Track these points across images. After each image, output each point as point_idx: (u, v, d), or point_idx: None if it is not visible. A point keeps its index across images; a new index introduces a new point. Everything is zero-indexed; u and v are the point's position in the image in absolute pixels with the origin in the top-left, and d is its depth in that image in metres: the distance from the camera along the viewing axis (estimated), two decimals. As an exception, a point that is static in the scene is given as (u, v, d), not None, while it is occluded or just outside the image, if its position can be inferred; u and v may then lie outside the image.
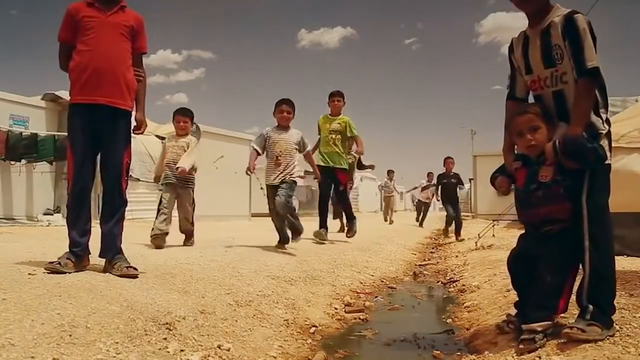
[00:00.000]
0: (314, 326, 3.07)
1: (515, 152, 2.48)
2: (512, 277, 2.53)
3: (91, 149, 3.04)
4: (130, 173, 3.33)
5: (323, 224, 6.28)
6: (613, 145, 2.35)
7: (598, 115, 2.21)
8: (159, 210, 4.92)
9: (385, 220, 13.36)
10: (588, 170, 2.14)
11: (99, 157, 3.11)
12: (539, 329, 2.16)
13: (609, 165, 2.22)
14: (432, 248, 8.95)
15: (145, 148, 10.12)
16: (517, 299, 2.55)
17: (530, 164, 2.32)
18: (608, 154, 2.19)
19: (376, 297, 4.24)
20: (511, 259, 2.51)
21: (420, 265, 6.47)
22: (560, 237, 2.22)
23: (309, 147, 5.36)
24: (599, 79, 2.17)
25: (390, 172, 15.62)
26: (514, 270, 2.50)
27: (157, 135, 10.62)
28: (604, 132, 2.21)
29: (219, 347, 2.32)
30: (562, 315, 2.35)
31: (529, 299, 2.35)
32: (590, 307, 2.12)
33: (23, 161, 9.12)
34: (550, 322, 2.20)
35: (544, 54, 2.29)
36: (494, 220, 8.53)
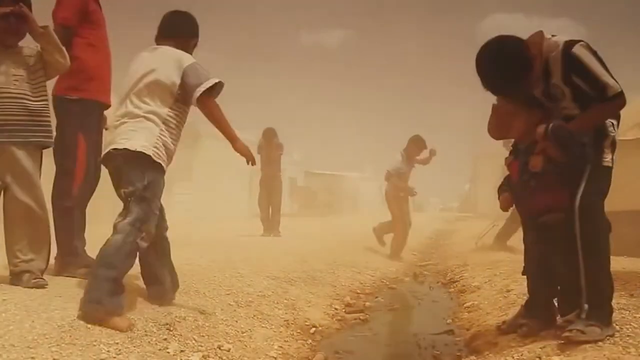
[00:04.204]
0: (314, 326, 3.07)
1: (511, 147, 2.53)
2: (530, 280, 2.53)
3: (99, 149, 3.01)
4: None
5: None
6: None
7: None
8: None
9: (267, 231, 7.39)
10: (586, 171, 2.13)
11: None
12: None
13: (609, 168, 2.19)
14: (432, 248, 8.94)
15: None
16: (527, 299, 2.54)
17: (521, 157, 2.36)
18: (607, 156, 2.17)
19: (376, 297, 4.24)
20: (527, 265, 2.52)
21: (420, 265, 6.47)
22: (562, 229, 2.21)
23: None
24: (622, 100, 2.11)
25: (268, 133, 7.70)
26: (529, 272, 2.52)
27: None
28: (612, 134, 2.18)
29: (219, 348, 2.33)
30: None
31: (562, 294, 2.38)
32: (588, 307, 2.12)
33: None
34: None
35: (545, 92, 2.24)
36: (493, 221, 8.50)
